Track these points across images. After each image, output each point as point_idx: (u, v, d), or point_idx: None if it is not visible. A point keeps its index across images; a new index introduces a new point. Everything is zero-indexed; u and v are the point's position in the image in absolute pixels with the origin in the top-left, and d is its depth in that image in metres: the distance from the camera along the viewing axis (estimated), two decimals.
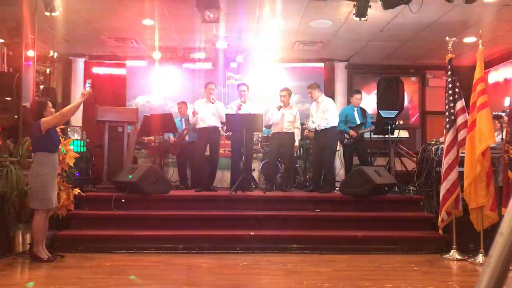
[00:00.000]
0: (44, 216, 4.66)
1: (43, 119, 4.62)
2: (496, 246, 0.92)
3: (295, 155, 7.73)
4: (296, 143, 7.11)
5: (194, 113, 6.83)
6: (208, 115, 6.82)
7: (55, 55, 8.60)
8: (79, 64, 9.34)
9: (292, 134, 7.03)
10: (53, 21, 6.66)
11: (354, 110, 7.41)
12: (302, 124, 7.33)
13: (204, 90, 7.08)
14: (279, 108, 6.95)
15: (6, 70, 6.33)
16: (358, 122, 7.28)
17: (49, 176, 4.63)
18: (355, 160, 7.41)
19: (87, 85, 4.93)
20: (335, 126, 6.79)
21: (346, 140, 7.20)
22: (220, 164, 7.61)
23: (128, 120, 6.86)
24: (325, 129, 6.67)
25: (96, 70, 9.55)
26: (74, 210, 5.55)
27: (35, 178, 4.58)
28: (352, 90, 9.65)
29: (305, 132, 7.32)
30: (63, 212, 5.33)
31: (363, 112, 7.43)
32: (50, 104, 4.81)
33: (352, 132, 7.13)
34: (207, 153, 7.01)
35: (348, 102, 9.63)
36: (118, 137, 6.69)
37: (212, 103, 6.75)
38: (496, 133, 5.15)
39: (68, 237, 5.34)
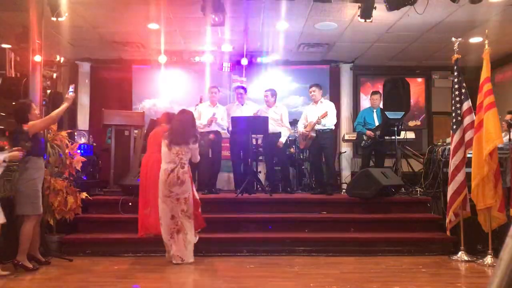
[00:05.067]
0: (35, 222, 4.53)
1: (31, 123, 4.49)
2: (507, 249, 0.92)
3: (295, 156, 7.71)
4: (282, 140, 6.91)
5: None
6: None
7: (62, 59, 8.64)
8: (85, 68, 9.40)
9: (278, 134, 6.94)
10: (59, 26, 6.70)
11: (373, 111, 7.36)
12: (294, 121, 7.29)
13: (208, 94, 7.19)
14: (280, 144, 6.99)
15: (13, 75, 6.38)
16: (377, 123, 7.23)
17: (40, 181, 4.57)
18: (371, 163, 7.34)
19: (70, 90, 4.96)
20: (333, 129, 6.88)
21: (364, 142, 7.19)
22: (227, 166, 7.61)
23: (134, 123, 6.89)
24: (323, 131, 6.72)
25: (102, 74, 9.59)
26: (82, 213, 5.59)
27: (26, 182, 4.43)
28: (358, 91, 9.62)
29: (303, 130, 6.98)
30: (70, 216, 5.35)
31: (383, 112, 7.24)
32: (34, 107, 4.69)
33: (368, 132, 7.10)
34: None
35: (354, 104, 9.63)
36: (125, 141, 6.73)
37: (215, 120, 6.78)
38: (503, 134, 5.12)
39: (75, 240, 5.37)
